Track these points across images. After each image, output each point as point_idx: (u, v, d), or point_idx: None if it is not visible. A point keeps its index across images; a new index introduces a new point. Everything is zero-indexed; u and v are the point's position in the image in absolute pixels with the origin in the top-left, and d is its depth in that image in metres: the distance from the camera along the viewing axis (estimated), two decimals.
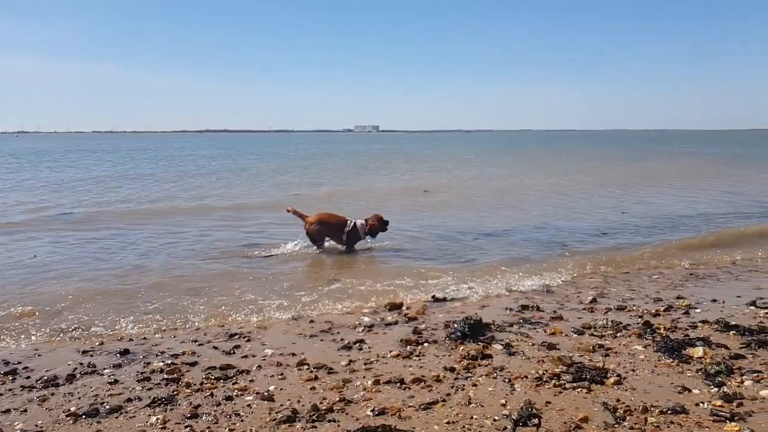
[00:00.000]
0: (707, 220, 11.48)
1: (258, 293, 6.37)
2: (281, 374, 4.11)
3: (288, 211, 8.96)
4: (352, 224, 8.62)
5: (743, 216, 12.14)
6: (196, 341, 4.92)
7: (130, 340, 4.98)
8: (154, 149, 57.02)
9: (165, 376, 4.10)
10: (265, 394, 3.75)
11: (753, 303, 5.80)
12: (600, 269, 7.53)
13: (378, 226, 8.74)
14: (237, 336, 5.02)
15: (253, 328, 5.26)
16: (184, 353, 4.60)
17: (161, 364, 4.34)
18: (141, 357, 4.54)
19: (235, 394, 3.79)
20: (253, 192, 17.38)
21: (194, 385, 3.94)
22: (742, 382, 3.82)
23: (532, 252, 8.59)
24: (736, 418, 3.28)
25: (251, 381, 4.01)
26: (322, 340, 4.88)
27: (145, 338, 5.03)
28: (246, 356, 4.52)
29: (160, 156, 41.42)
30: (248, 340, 4.90)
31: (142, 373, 4.18)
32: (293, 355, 4.50)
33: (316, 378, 4.01)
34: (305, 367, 4.23)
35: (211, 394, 3.78)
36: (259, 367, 4.27)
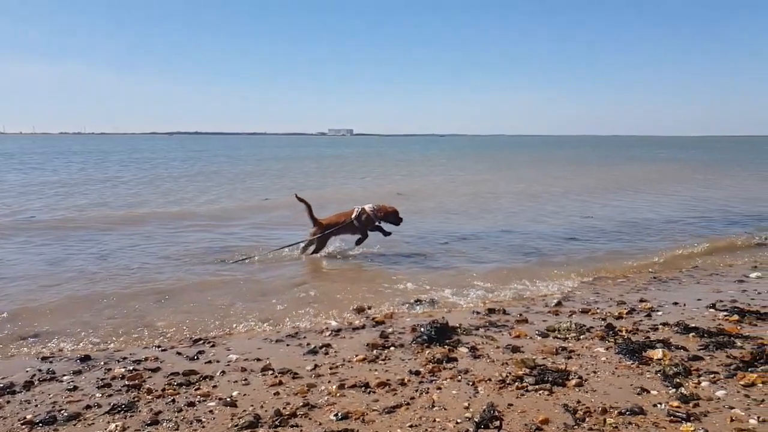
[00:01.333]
0: (671, 224, 11.74)
1: (226, 298, 6.31)
2: (245, 379, 4.08)
3: (298, 198, 8.87)
4: (360, 210, 8.56)
5: (705, 219, 12.50)
6: (159, 347, 4.85)
7: (92, 346, 4.89)
8: (125, 151, 56.11)
9: (126, 382, 4.04)
10: (228, 399, 3.72)
11: (713, 306, 5.94)
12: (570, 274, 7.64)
13: (390, 216, 8.72)
14: (201, 341, 4.97)
15: (219, 333, 5.22)
16: (146, 359, 4.53)
17: (123, 370, 4.27)
18: (102, 363, 4.46)
19: (197, 399, 3.74)
20: (223, 196, 17.17)
21: (156, 391, 3.88)
22: (699, 383, 3.91)
23: (501, 256, 8.67)
24: (691, 418, 3.35)
25: (214, 386, 3.97)
26: (288, 345, 4.86)
27: (107, 344, 4.95)
28: (210, 362, 4.47)
29: (130, 158, 40.71)
30: (213, 346, 4.86)
31: (102, 379, 4.11)
32: (258, 360, 4.46)
33: (280, 383, 3.99)
34: (270, 372, 4.21)
35: (173, 400, 3.73)
36: (223, 372, 4.23)
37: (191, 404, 3.67)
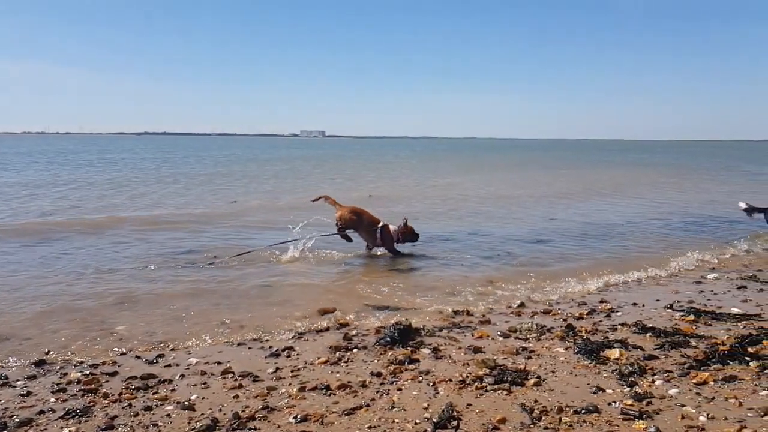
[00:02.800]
0: (633, 226, 11.99)
1: (190, 301, 6.22)
2: (204, 383, 4.04)
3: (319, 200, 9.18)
4: (381, 226, 8.81)
5: (665, 221, 12.82)
6: (118, 350, 4.77)
7: (48, 350, 4.77)
8: (91, 151, 54.88)
9: (82, 387, 3.96)
10: (186, 403, 3.68)
11: (670, 306, 6.08)
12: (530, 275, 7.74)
13: (409, 235, 8.91)
14: (162, 344, 4.90)
15: (180, 336, 5.14)
16: (104, 363, 4.46)
17: (79, 374, 4.19)
18: (58, 368, 4.37)
19: (154, 404, 3.70)
20: (191, 198, 16.91)
21: (112, 395, 3.82)
22: (653, 381, 4.00)
23: (468, 257, 8.73)
24: (644, 416, 3.43)
25: (173, 390, 3.92)
26: (250, 348, 4.82)
27: (64, 348, 4.83)
28: (169, 365, 4.41)
29: (98, 159, 39.83)
30: (173, 349, 4.80)
31: (57, 384, 4.02)
32: (219, 363, 4.42)
33: (240, 386, 3.96)
34: (230, 375, 4.17)
35: (130, 405, 3.67)
36: (183, 376, 4.18)
37: (148, 408, 3.62)
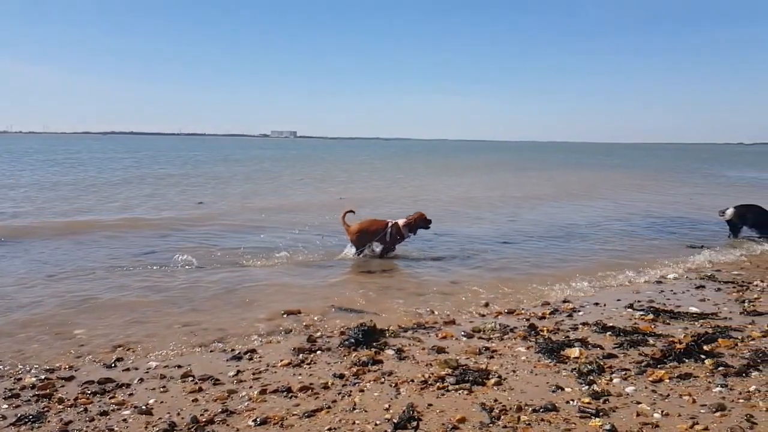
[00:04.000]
0: (594, 227, 12.22)
1: (152, 303, 6.13)
2: (163, 387, 3.98)
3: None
4: (392, 226, 8.82)
5: (626, 221, 13.13)
6: (75, 354, 4.67)
7: (1, 356, 4.64)
8: (56, 151, 53.54)
9: (36, 392, 3.87)
10: (144, 407, 3.62)
11: (630, 306, 6.20)
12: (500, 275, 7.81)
13: (419, 223, 8.98)
14: (121, 348, 4.81)
15: (141, 338, 5.05)
16: (60, 368, 4.36)
17: (33, 379, 4.09)
18: (12, 373, 4.25)
19: (111, 408, 3.63)
20: (158, 200, 16.60)
21: (67, 400, 3.74)
22: (611, 380, 4.07)
23: (436, 258, 8.77)
24: (600, 414, 3.49)
25: (130, 395, 3.86)
26: (212, 351, 4.77)
27: (19, 353, 4.71)
28: (128, 369, 4.34)
29: (61, 159, 38.89)
30: (133, 352, 4.72)
31: (11, 389, 3.92)
32: (179, 367, 4.36)
33: (200, 390, 3.91)
34: (190, 378, 4.12)
35: (85, 410, 3.60)
36: (141, 380, 4.11)
37: (104, 413, 3.56)
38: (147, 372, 4.27)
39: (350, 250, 8.78)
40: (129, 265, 7.91)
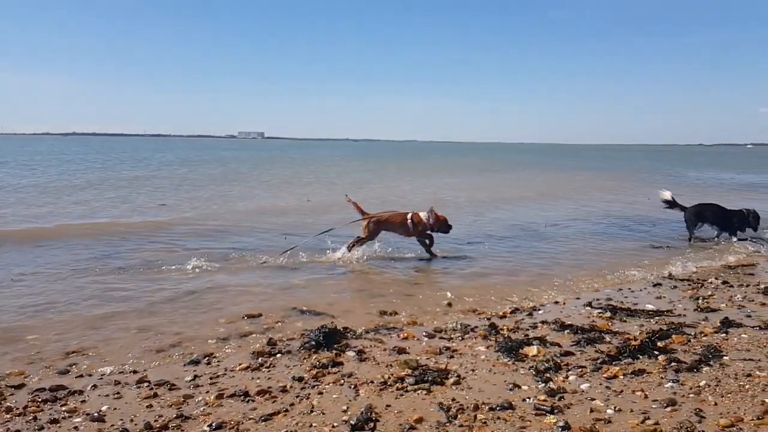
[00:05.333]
0: (557, 227, 12.42)
1: (109, 308, 5.99)
2: (117, 393, 3.89)
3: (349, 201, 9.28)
4: (410, 216, 8.92)
5: (585, 220, 13.40)
6: (27, 361, 4.54)
7: None
8: (17, 153, 52.03)
9: None
10: (96, 414, 3.54)
11: (589, 304, 6.31)
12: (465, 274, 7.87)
13: (441, 225, 9.05)
14: (75, 353, 4.70)
15: (96, 344, 4.94)
16: (10, 375, 4.23)
17: None
18: None
19: (62, 416, 3.54)
20: (118, 202, 16.22)
21: (16, 408, 3.63)
22: (567, 377, 4.14)
23: (399, 258, 8.79)
24: (555, 411, 3.54)
25: (83, 401, 3.77)
26: (169, 355, 4.69)
27: None
28: (81, 375, 4.24)
29: (18, 162, 37.80)
30: (87, 358, 4.61)
31: None
32: (134, 372, 4.28)
33: (155, 395, 3.84)
34: (145, 384, 4.04)
35: (35, 418, 3.51)
36: (95, 386, 4.02)
37: (54, 421, 3.47)
38: (101, 378, 4.18)
39: (339, 254, 8.73)
40: (86, 270, 7.72)
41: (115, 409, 3.65)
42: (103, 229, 11.12)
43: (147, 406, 3.67)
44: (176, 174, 28.57)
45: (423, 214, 8.98)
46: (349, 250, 8.73)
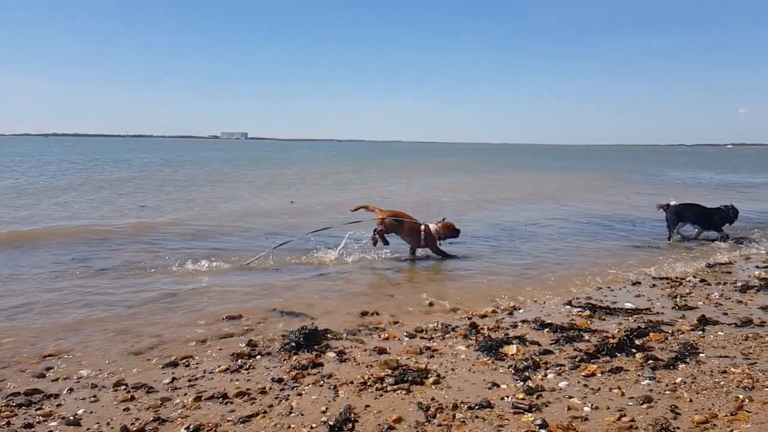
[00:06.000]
0: (540, 227, 12.53)
1: (87, 310, 5.92)
2: (94, 396, 3.85)
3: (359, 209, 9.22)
4: (424, 227, 8.95)
5: (567, 220, 13.52)
6: (1, 364, 4.47)
7: None
8: (0, 154, 51.22)
9: None
10: (72, 418, 3.50)
11: (569, 303, 6.36)
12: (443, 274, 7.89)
13: (450, 232, 9.11)
14: (52, 356, 4.63)
15: (73, 346, 4.87)
16: None
17: None
18: None
19: (36, 420, 3.50)
20: (97, 204, 16.03)
21: None
22: (545, 375, 4.17)
23: (381, 259, 8.79)
24: (533, 409, 3.57)
25: (58, 405, 3.72)
26: (147, 358, 4.64)
27: None
28: (57, 379, 4.18)
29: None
30: (64, 361, 4.55)
31: None
32: (112, 374, 4.24)
33: (132, 398, 3.81)
34: (123, 387, 4.00)
35: (8, 423, 3.46)
36: (71, 389, 3.97)
37: (29, 426, 3.43)
38: (78, 381, 4.14)
39: (332, 254, 8.76)
40: (65, 272, 7.62)
41: (91, 412, 3.61)
42: (83, 231, 10.97)
43: (124, 410, 3.64)
44: (158, 175, 28.27)
45: (433, 227, 9.05)
46: (374, 244, 8.94)
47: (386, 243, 9.00)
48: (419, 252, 9.15)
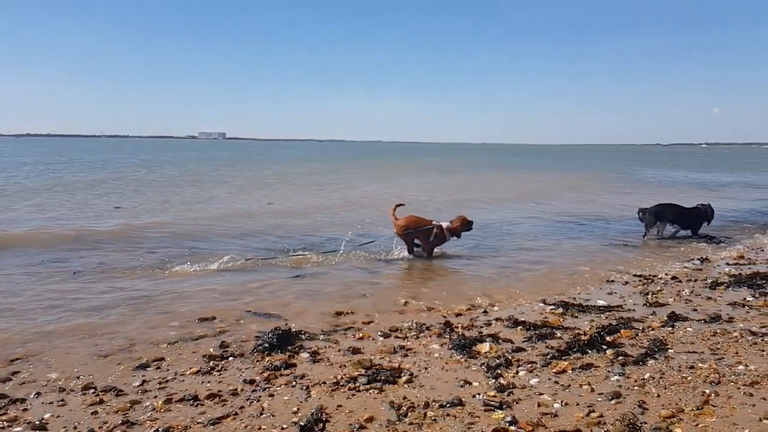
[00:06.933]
0: (516, 225, 12.63)
1: (58, 313, 5.83)
2: (62, 400, 3.79)
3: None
4: (436, 227, 9.04)
5: (543, 219, 13.63)
6: None
7: None
8: None
9: None
10: (38, 423, 3.44)
11: (543, 300, 6.42)
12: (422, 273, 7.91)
13: (462, 226, 9.17)
14: (20, 360, 4.55)
15: (42, 350, 4.79)
16: None
17: None
18: None
19: (1, 426, 3.43)
20: (70, 206, 15.76)
21: None
22: (517, 373, 4.20)
23: (358, 258, 8.78)
24: (503, 406, 3.60)
25: (25, 410, 3.65)
26: (119, 362, 4.58)
27: None
28: (24, 383, 4.10)
29: None
30: (32, 365, 4.46)
31: None
32: (80, 378, 4.17)
33: (101, 401, 3.76)
34: (91, 390, 3.94)
35: None
36: (38, 394, 3.90)
37: None
38: (45, 385, 4.06)
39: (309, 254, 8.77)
40: (37, 274, 7.50)
41: (58, 416, 3.55)
42: (56, 233, 10.79)
43: (92, 413, 3.59)
44: (134, 176, 27.91)
45: (445, 224, 9.13)
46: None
47: (411, 251, 9.11)
48: (437, 250, 9.23)
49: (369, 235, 10.81)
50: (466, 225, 9.33)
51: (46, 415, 3.56)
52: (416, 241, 9.12)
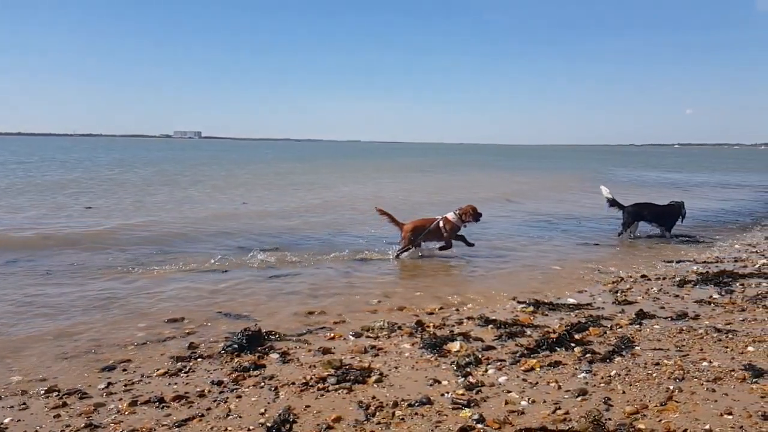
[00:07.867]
0: (483, 223, 12.70)
1: (21, 313, 5.72)
2: (23, 404, 3.71)
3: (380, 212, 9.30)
4: (442, 219, 9.04)
5: (516, 219, 13.73)
6: None
7: None
8: None
9: None
10: None
11: (514, 299, 6.48)
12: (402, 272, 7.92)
13: (474, 214, 9.18)
14: None
15: (4, 352, 4.67)
16: None
17: None
18: None
19: None
20: (38, 207, 15.50)
21: None
22: (486, 371, 4.22)
23: (331, 258, 8.75)
24: (471, 404, 3.61)
25: None
26: (83, 364, 4.49)
27: None
28: None
29: None
30: None
31: None
32: (43, 380, 4.09)
33: (64, 404, 3.68)
34: (55, 393, 3.86)
35: None
36: None
37: None
38: (6, 388, 3.97)
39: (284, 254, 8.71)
40: (3, 275, 7.34)
41: (19, 420, 3.48)
42: (23, 234, 10.58)
43: (54, 416, 3.52)
44: (106, 176, 27.43)
45: (451, 215, 9.12)
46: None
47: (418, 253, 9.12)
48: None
49: (349, 234, 10.81)
50: (477, 214, 9.33)
51: (6, 420, 3.48)
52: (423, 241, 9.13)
